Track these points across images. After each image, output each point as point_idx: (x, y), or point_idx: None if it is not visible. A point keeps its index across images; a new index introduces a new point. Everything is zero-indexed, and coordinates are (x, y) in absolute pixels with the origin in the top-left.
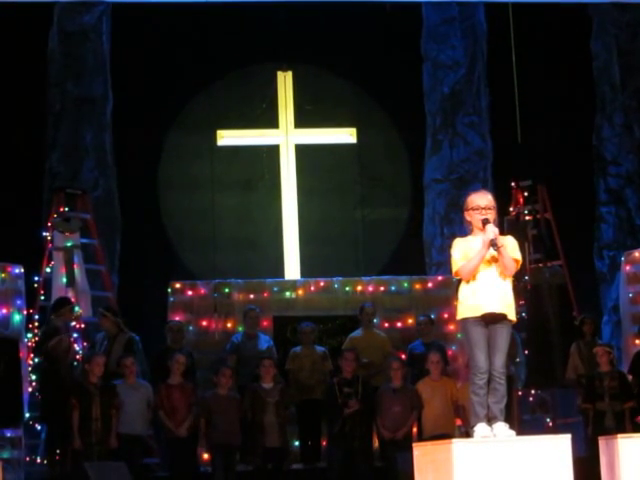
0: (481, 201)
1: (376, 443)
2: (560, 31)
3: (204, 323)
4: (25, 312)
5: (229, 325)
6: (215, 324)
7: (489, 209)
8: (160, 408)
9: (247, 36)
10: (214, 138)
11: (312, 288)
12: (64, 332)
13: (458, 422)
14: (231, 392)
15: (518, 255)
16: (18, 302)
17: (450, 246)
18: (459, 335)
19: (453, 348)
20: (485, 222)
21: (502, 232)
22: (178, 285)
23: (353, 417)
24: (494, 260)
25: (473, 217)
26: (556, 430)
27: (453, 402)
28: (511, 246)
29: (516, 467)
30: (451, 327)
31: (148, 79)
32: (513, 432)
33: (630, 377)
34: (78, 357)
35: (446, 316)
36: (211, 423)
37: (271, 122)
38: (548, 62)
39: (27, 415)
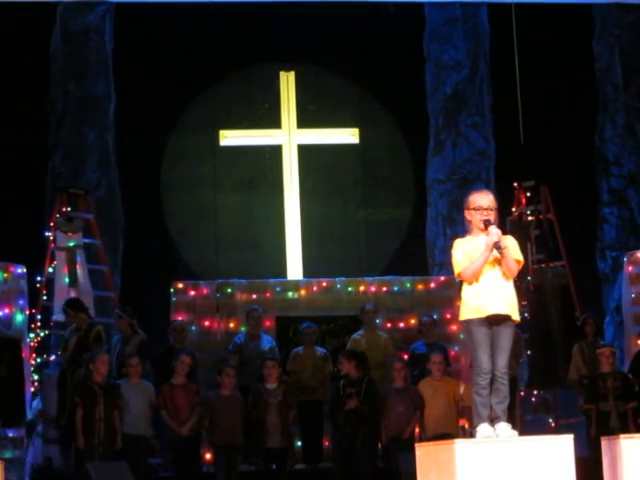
0: (483, 201)
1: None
2: (563, 31)
3: (206, 323)
4: (27, 312)
5: (231, 325)
6: (217, 324)
7: (491, 210)
8: (163, 408)
9: (250, 36)
10: (217, 138)
11: (314, 288)
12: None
13: (462, 422)
14: (234, 392)
15: (520, 256)
16: (20, 302)
17: (451, 247)
18: (461, 335)
19: (455, 349)
20: (487, 223)
21: (504, 232)
22: (180, 285)
23: (354, 416)
24: (497, 261)
25: (474, 217)
26: (558, 430)
27: (455, 402)
28: (512, 246)
29: (519, 467)
30: (453, 328)
31: (150, 79)
32: (515, 432)
33: (630, 376)
34: None
35: (448, 316)
36: (214, 423)
37: (274, 122)
38: (551, 62)
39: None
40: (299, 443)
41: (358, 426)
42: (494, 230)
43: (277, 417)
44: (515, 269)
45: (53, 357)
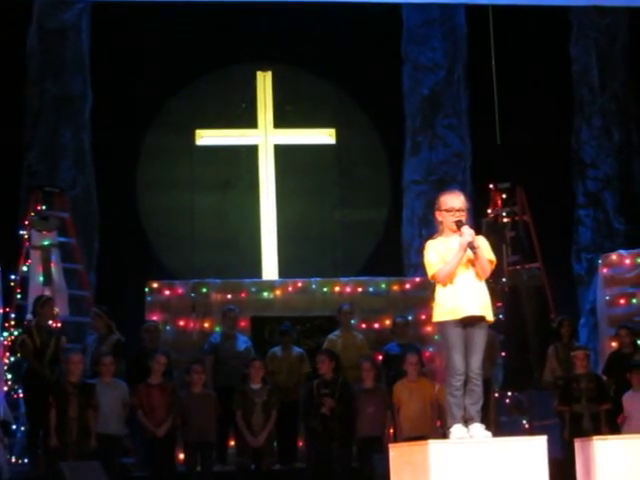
0: (455, 202)
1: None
2: (540, 34)
3: (181, 323)
4: (1, 311)
5: (207, 325)
6: (193, 324)
7: (462, 210)
8: (139, 408)
9: (227, 36)
10: (193, 138)
11: (290, 288)
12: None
13: (439, 423)
14: (205, 389)
15: (492, 255)
16: None
17: (423, 248)
18: (436, 337)
19: (430, 349)
20: (459, 224)
21: (478, 233)
22: (156, 285)
23: (330, 417)
24: (470, 262)
25: (446, 218)
26: (532, 432)
27: (431, 403)
28: (484, 247)
29: (492, 468)
30: (428, 328)
31: (127, 78)
32: (489, 433)
33: (605, 378)
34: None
35: (424, 317)
36: (187, 421)
37: (250, 122)
38: (528, 65)
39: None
40: (274, 443)
41: (332, 427)
42: (467, 230)
43: (262, 417)
44: (488, 269)
45: None
